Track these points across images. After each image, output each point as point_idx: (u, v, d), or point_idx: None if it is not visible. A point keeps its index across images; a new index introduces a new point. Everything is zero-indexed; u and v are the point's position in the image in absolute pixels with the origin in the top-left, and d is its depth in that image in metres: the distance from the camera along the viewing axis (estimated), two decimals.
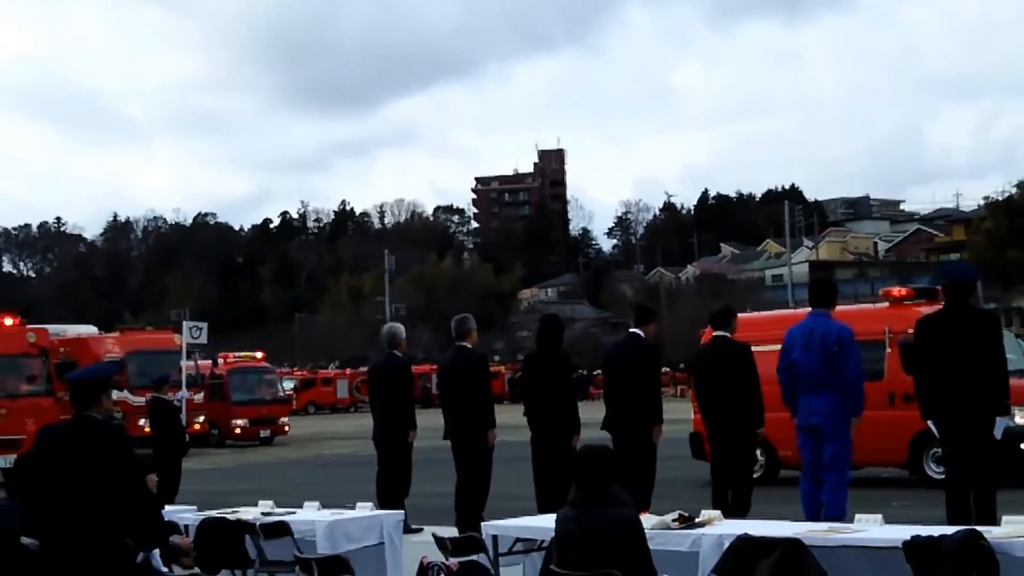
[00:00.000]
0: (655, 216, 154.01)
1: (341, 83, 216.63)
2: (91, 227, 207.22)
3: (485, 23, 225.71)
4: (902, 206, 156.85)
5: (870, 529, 7.47)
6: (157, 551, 7.76)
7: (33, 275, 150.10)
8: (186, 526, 9.60)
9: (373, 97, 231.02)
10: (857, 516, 7.80)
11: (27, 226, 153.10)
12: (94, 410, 7.11)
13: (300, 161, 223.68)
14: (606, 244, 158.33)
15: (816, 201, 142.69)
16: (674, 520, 7.90)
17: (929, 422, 10.63)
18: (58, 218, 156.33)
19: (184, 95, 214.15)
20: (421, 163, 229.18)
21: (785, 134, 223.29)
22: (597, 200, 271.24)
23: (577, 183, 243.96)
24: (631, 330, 13.00)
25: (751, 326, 18.42)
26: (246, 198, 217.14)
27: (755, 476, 18.05)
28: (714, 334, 12.71)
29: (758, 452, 17.90)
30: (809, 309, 12.06)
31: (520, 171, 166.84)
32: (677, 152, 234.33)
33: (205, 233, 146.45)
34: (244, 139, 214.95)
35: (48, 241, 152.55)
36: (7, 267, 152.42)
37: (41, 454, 7.16)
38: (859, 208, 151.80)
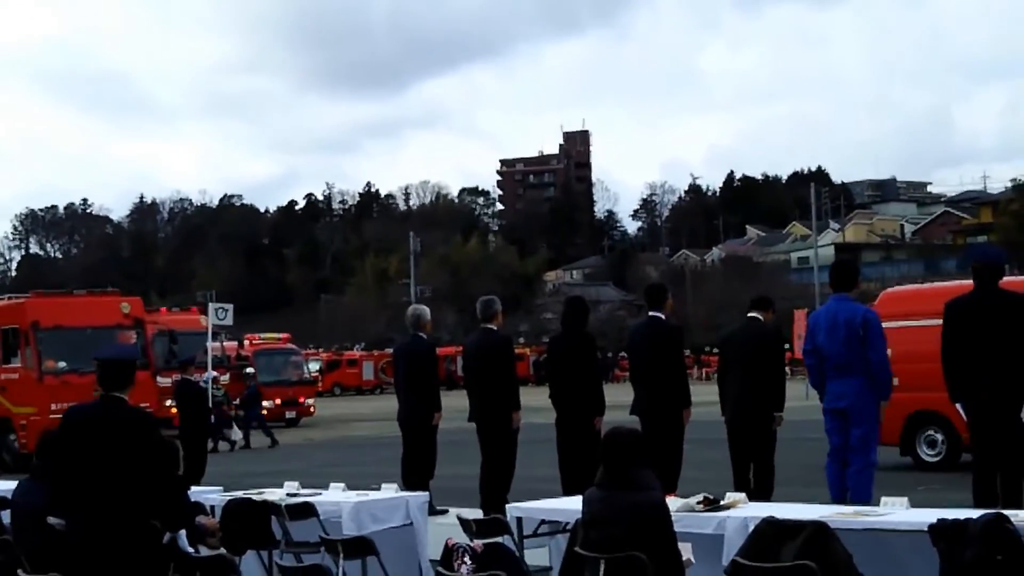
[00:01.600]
0: (680, 198, 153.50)
1: (369, 65, 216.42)
2: (118, 209, 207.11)
3: (513, 4, 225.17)
4: (929, 188, 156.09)
5: (896, 512, 7.45)
6: (183, 532, 7.81)
7: (60, 256, 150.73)
8: (212, 507, 9.62)
9: (400, 79, 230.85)
10: (883, 499, 7.76)
11: (54, 207, 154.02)
12: (122, 391, 7.13)
13: (327, 143, 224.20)
14: (631, 226, 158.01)
15: (842, 183, 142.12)
16: (699, 503, 7.89)
17: (958, 405, 10.60)
18: (85, 199, 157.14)
19: (211, 77, 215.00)
20: (447, 145, 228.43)
21: (812, 116, 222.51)
22: (622, 182, 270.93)
23: (602, 165, 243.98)
24: (651, 313, 12.79)
25: (904, 300, 18.37)
26: (272, 180, 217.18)
27: (935, 460, 18.20)
28: (748, 315, 12.65)
29: (939, 436, 18.03)
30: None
31: (545, 153, 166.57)
32: (703, 134, 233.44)
33: (231, 215, 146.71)
34: (270, 121, 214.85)
35: (75, 222, 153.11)
36: (34, 248, 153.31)
37: (68, 434, 7.18)
38: (886, 190, 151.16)
